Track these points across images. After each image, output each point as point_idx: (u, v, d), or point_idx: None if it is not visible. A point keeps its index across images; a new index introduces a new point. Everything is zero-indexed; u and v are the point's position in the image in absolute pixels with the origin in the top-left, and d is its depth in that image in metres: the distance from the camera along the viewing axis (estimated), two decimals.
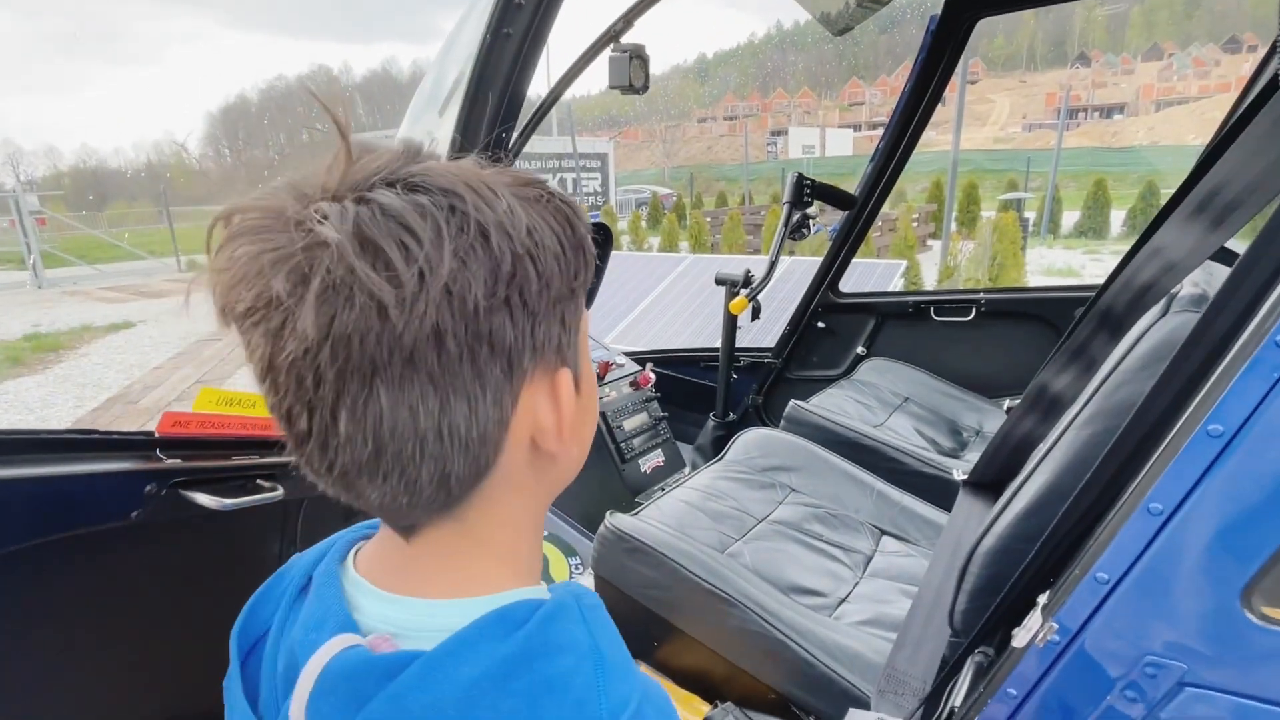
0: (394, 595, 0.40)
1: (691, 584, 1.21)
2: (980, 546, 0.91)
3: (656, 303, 6.97)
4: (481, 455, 0.37)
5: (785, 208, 2.01)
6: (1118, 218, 15.32)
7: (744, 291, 2.08)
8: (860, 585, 1.37)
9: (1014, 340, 2.28)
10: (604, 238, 2.60)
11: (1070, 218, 16.04)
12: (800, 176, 2.01)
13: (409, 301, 0.31)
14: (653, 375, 2.21)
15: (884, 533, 1.54)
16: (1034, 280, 7.75)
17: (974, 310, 2.27)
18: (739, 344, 2.47)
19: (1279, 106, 0.99)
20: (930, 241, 14.32)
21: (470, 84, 0.93)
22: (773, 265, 2.08)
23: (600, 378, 2.18)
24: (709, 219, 12.93)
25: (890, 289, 6.94)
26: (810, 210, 2.10)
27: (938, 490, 1.69)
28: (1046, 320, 2.24)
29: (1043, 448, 1.01)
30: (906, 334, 2.43)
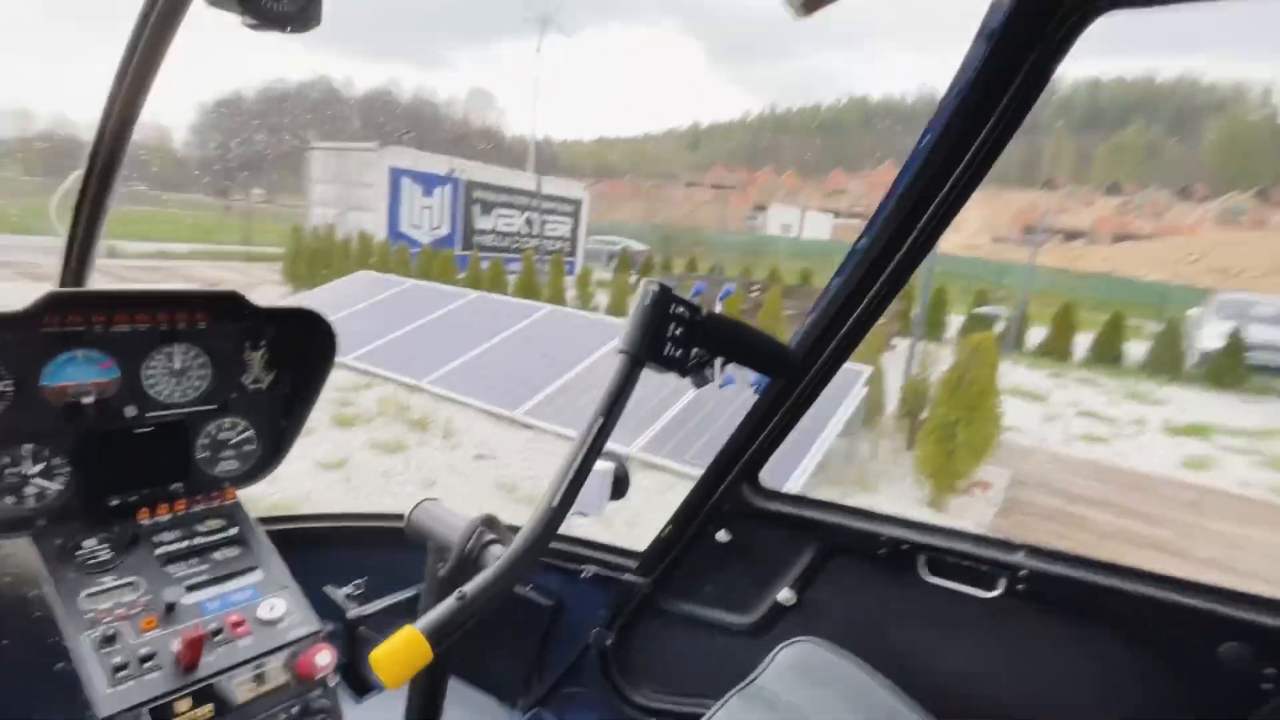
0: None
1: None
2: None
3: (575, 394, 5.83)
4: None
5: (621, 361, 0.88)
6: (1082, 341, 14.91)
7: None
8: None
9: (1076, 654, 1.18)
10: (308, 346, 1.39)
11: (1035, 334, 15.65)
12: (663, 290, 0.92)
13: None
14: (326, 658, 1.04)
15: None
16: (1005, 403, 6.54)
17: (1003, 583, 1.19)
18: (577, 529, 1.35)
19: None
20: (895, 341, 13.62)
21: None
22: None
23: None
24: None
25: (843, 407, 5.80)
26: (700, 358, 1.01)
27: None
28: (1150, 634, 1.08)
29: None
30: (870, 595, 1.32)
